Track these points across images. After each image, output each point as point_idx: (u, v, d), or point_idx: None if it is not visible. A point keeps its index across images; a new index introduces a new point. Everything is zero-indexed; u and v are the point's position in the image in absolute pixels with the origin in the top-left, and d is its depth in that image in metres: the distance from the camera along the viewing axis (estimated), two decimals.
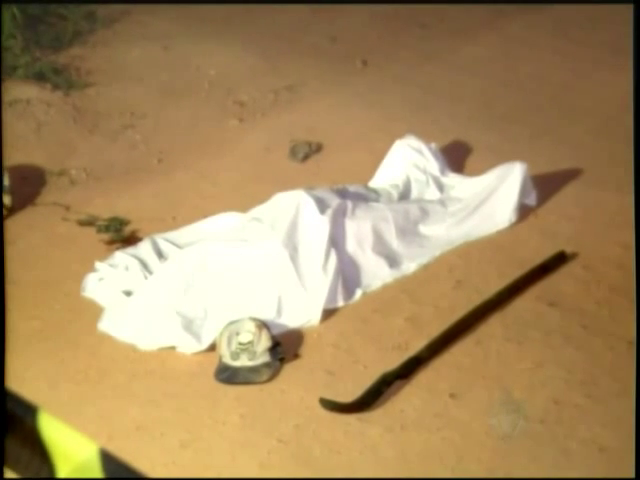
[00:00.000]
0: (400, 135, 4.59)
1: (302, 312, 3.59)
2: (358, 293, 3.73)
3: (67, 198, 4.58)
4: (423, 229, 4.06)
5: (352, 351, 3.40)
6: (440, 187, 4.39)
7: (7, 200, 4.33)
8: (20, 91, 5.39)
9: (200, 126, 5.34)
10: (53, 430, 1.56)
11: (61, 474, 1.56)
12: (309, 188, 4.04)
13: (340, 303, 3.67)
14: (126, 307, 3.63)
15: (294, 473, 2.89)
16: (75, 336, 3.57)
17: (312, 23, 6.68)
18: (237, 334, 3.36)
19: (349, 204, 3.95)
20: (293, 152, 4.87)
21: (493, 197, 4.16)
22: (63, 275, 3.94)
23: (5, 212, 4.30)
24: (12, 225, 4.21)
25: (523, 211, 4.16)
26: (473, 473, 2.88)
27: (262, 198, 4.07)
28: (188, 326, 3.49)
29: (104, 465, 1.51)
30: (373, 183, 4.42)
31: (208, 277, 3.64)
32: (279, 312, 3.60)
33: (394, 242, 3.96)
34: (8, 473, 1.63)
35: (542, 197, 4.26)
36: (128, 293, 3.73)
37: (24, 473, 1.62)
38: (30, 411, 1.59)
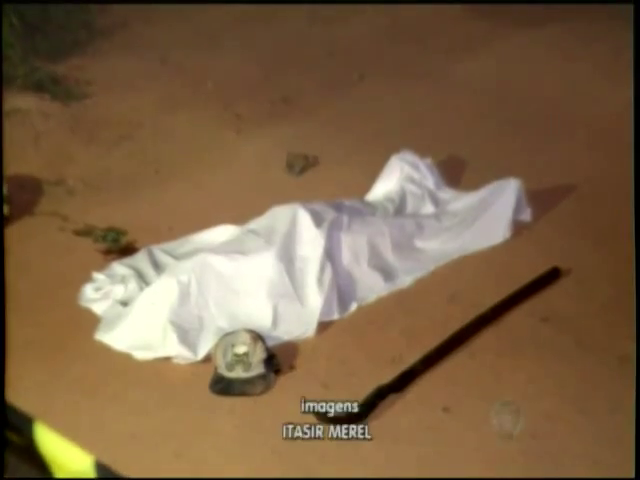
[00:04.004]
0: (396, 149, 4.61)
1: (297, 324, 3.61)
2: (353, 306, 3.75)
3: (64, 208, 4.59)
4: (418, 243, 4.09)
5: (347, 364, 3.41)
6: (435, 202, 4.41)
7: (5, 209, 4.33)
8: (19, 101, 5.41)
9: (197, 137, 5.35)
10: (48, 441, 1.57)
11: None
12: (305, 202, 4.06)
13: (335, 316, 3.69)
14: (122, 317, 3.64)
15: None
16: (71, 346, 3.58)
17: (310, 35, 6.71)
18: (232, 345, 3.37)
19: (345, 218, 3.97)
20: (290, 165, 4.89)
21: (488, 213, 4.19)
22: (60, 284, 3.95)
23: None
24: (9, 234, 4.20)
25: (517, 226, 4.18)
26: None
27: (258, 211, 4.09)
28: (184, 337, 3.50)
29: (99, 475, 1.52)
30: (369, 197, 4.44)
31: (204, 289, 3.65)
32: (274, 324, 3.61)
33: (389, 256, 3.97)
34: None
35: (536, 212, 4.29)
36: (124, 303, 3.74)
37: None
38: (25, 421, 1.59)
